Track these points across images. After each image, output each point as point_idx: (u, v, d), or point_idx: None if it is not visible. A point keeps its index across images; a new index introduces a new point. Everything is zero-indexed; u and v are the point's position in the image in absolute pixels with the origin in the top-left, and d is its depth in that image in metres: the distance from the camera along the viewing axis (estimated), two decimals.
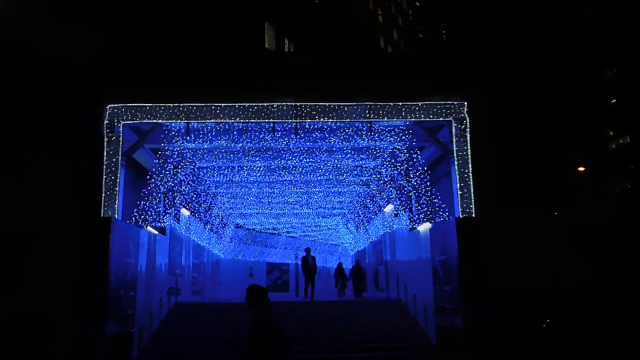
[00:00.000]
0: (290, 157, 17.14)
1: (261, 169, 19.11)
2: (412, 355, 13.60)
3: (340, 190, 23.30)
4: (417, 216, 16.62)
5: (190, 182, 18.94)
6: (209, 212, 25.37)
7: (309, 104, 14.28)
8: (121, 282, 13.19)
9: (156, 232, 16.64)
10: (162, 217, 17.55)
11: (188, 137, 15.04)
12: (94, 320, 11.84)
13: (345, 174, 19.92)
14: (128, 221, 14.83)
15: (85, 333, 11.58)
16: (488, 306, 12.05)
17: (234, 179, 20.72)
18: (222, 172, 19.52)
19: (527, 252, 11.77)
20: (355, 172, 19.62)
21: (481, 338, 11.97)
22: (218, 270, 31.70)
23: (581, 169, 32.01)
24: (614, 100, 46.49)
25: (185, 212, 22.13)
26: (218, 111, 14.31)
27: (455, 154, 14.24)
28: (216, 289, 30.30)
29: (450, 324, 13.30)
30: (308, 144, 15.68)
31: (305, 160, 17.45)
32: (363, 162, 17.78)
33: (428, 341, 14.56)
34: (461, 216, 14.04)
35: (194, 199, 21.74)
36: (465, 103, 14.43)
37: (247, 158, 17.34)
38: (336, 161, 17.68)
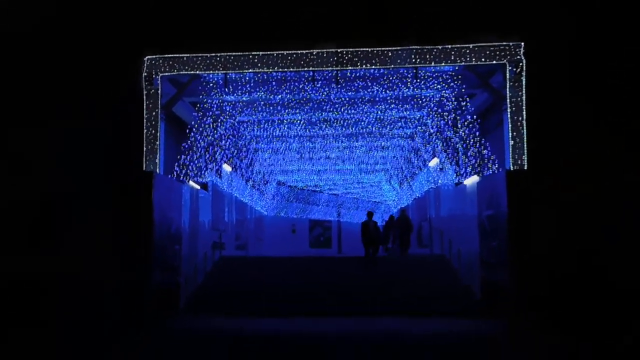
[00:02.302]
0: (331, 109, 16.60)
1: (302, 122, 18.67)
2: (457, 309, 13.22)
3: (383, 144, 22.69)
4: (464, 170, 15.91)
5: (230, 136, 18.74)
6: (251, 168, 25.30)
7: (351, 49, 13.57)
8: (165, 235, 13.31)
9: (198, 188, 16.60)
10: (203, 172, 17.48)
11: (226, 89, 14.67)
12: (141, 270, 11.99)
13: (388, 127, 19.27)
14: (170, 176, 14.77)
15: (131, 283, 11.73)
16: (535, 262, 11.45)
17: (274, 133, 20.41)
18: (262, 126, 19.21)
19: (581, 212, 10.98)
20: (399, 124, 18.94)
21: (526, 293, 11.44)
22: (261, 227, 31.97)
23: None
24: None
25: (227, 168, 22.09)
26: (256, 60, 13.80)
27: (508, 101, 13.30)
28: (260, 244, 30.63)
29: (495, 278, 12.83)
30: (350, 94, 15.05)
31: (346, 112, 16.88)
32: (407, 112, 17.06)
33: (472, 295, 14.16)
34: (512, 169, 13.26)
35: (235, 154, 21.61)
36: (522, 44, 13.33)
37: (287, 111, 16.91)
38: (379, 112, 17.03)
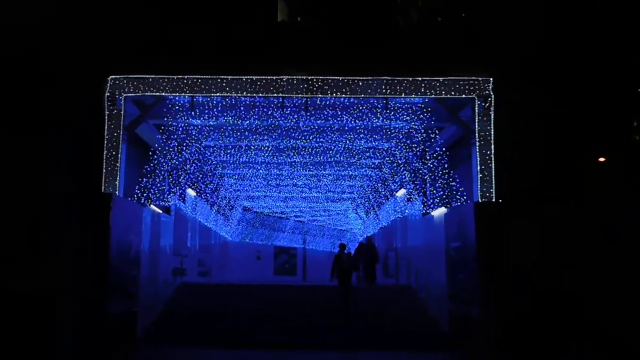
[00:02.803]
0: (299, 137, 16.39)
1: (269, 149, 18.40)
2: (424, 342, 12.97)
3: (351, 173, 22.58)
4: (431, 201, 15.86)
5: (196, 161, 18.28)
6: (216, 194, 24.78)
7: (321, 77, 13.46)
8: (123, 259, 12.74)
9: (160, 212, 16.06)
10: (166, 196, 16.95)
11: (193, 112, 14.33)
12: (94, 296, 11.36)
13: (356, 156, 19.16)
14: (130, 198, 14.21)
15: (85, 310, 11.08)
16: (506, 296, 11.33)
17: (241, 159, 20.04)
18: (229, 151, 18.84)
19: (550, 246, 10.97)
20: (368, 154, 18.85)
21: (499, 328, 11.28)
22: (226, 253, 31.30)
23: (602, 159, 30.89)
24: None
25: (191, 192, 21.56)
26: (224, 84, 13.54)
27: (477, 134, 13.37)
28: (224, 271, 29.93)
29: (464, 312, 12.64)
30: (319, 122, 14.90)
31: (315, 140, 16.70)
32: (376, 143, 16.99)
33: (440, 327, 13.95)
34: (480, 201, 13.25)
35: (200, 179, 21.11)
36: (491, 79, 13.49)
37: (254, 137, 16.61)
38: (348, 142, 16.90)
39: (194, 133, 16.05)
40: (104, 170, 13.45)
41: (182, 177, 17.32)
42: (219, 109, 14.44)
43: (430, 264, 15.48)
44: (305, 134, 16.06)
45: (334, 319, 14.30)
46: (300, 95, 13.56)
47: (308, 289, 19.56)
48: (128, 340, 13.07)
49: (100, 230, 11.53)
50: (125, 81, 13.61)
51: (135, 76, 13.61)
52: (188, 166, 17.53)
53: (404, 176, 17.73)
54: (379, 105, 14.19)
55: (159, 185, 15.42)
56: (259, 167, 21.55)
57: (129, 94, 13.64)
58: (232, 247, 33.02)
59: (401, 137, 15.98)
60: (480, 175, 13.21)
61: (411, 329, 13.75)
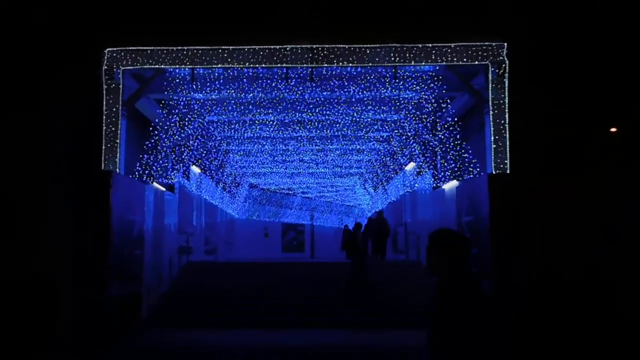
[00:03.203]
0: (305, 110, 15.83)
1: (274, 124, 17.88)
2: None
3: (358, 147, 22.04)
4: (442, 174, 15.34)
5: (199, 137, 17.80)
6: (221, 170, 24.38)
7: (327, 46, 12.83)
8: (125, 240, 12.41)
9: (164, 189, 15.67)
10: (170, 173, 16.53)
11: (194, 85, 13.77)
12: (96, 279, 11.02)
13: (364, 129, 18.60)
14: (131, 176, 13.80)
15: (86, 293, 10.76)
16: (520, 271, 10.91)
17: (245, 135, 19.55)
18: (233, 126, 18.33)
19: (568, 220, 10.47)
20: (376, 127, 18.28)
21: (512, 304, 10.89)
22: (232, 230, 31.10)
23: (613, 129, 30.25)
24: None
25: (196, 169, 21.17)
26: (225, 55, 12.94)
27: (490, 103, 12.75)
28: (230, 248, 29.80)
29: None
30: (325, 93, 14.31)
31: (321, 113, 16.13)
32: (385, 115, 16.40)
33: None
34: (494, 172, 12.72)
35: (204, 155, 20.67)
36: (505, 44, 12.78)
37: (259, 110, 16.07)
38: (355, 114, 16.33)
39: (196, 107, 15.52)
40: (103, 147, 12.99)
41: (185, 154, 16.87)
42: (221, 81, 13.87)
43: None
44: (311, 106, 15.49)
45: (344, 296, 13.98)
46: (305, 65, 12.95)
47: (316, 265, 19.33)
48: (133, 322, 12.83)
49: (101, 209, 11.16)
50: (122, 54, 13.05)
51: (133, 48, 13.03)
52: (191, 142, 17.06)
53: (413, 149, 17.18)
54: (387, 75, 13.56)
55: (161, 162, 14.98)
56: (264, 143, 21.06)
57: (127, 67, 13.10)
58: (239, 224, 32.85)
59: (410, 108, 15.39)
60: (494, 146, 12.63)
61: (420, 305, 13.42)
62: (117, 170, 13.08)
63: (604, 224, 10.53)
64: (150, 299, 14.10)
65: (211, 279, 15.98)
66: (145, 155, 14.14)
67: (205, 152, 20.44)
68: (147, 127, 15.07)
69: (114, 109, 12.97)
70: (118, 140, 12.89)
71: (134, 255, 13.12)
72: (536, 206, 10.85)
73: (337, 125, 17.86)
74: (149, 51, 12.99)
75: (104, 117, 12.98)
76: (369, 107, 15.62)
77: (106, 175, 11.66)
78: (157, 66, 13.10)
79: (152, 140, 14.60)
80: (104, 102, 12.98)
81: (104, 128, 12.97)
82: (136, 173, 13.90)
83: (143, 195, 13.68)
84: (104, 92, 12.95)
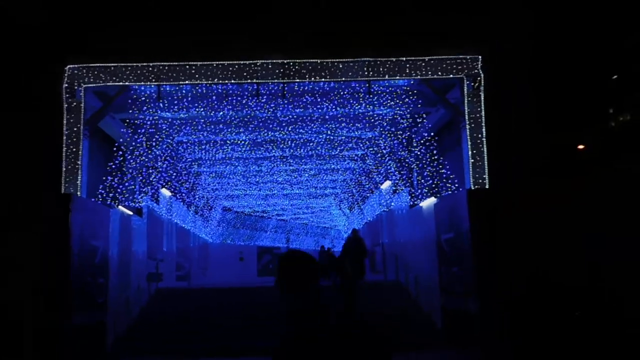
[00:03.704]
0: (277, 128, 15.39)
1: (246, 143, 17.38)
2: (416, 340, 12.14)
3: (333, 167, 21.67)
4: (419, 191, 15.01)
5: (168, 158, 17.17)
6: (193, 193, 23.70)
7: (298, 61, 12.45)
8: (88, 266, 11.74)
9: (131, 213, 14.97)
10: (137, 196, 15.84)
11: (161, 104, 13.21)
12: (56, 308, 10.30)
13: (338, 148, 18.24)
14: (94, 199, 13.09)
15: (45, 323, 10.02)
16: (504, 288, 10.56)
17: (217, 156, 18.99)
18: (203, 147, 17.77)
19: (550, 234, 10.20)
20: (350, 145, 17.94)
21: (498, 323, 10.52)
22: (206, 255, 30.28)
23: (581, 147, 30.83)
24: (615, 77, 44.89)
25: (165, 192, 20.47)
26: (193, 71, 12.45)
27: (467, 117, 12.49)
28: (204, 273, 28.95)
29: (458, 307, 11.88)
30: (297, 110, 13.90)
31: (294, 131, 15.72)
32: (359, 132, 16.07)
33: (432, 325, 13.17)
34: (473, 188, 12.41)
35: (174, 177, 20.01)
36: (480, 57, 12.59)
37: (230, 130, 15.58)
38: (329, 132, 15.97)
39: (164, 127, 14.95)
40: (63, 169, 12.27)
41: (153, 176, 16.20)
42: (189, 99, 13.35)
43: (420, 257, 14.74)
44: (284, 124, 15.07)
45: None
46: (276, 80, 12.53)
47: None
48: (97, 352, 12.07)
49: (59, 235, 10.47)
50: (84, 70, 12.45)
51: (95, 65, 12.44)
52: (160, 164, 16.42)
53: (389, 166, 16.85)
54: (361, 90, 13.23)
55: (127, 184, 14.30)
56: (236, 164, 20.53)
57: (89, 85, 12.48)
58: (213, 248, 32.07)
59: (385, 124, 15.08)
60: (472, 161, 12.34)
61: (403, 327, 12.94)
62: (78, 192, 12.36)
63: (587, 238, 10.26)
64: (116, 328, 13.36)
65: (182, 306, 15.25)
66: (109, 177, 13.44)
67: (175, 174, 19.78)
68: (112, 147, 14.40)
69: (75, 129, 12.30)
70: (79, 162, 12.20)
71: (97, 283, 12.42)
72: (517, 221, 10.55)
73: (311, 144, 17.46)
74: (112, 68, 12.41)
75: (65, 137, 12.29)
76: (343, 125, 15.27)
77: (66, 198, 11.02)
78: (121, 83, 12.52)
79: (117, 162, 13.93)
80: (65, 121, 12.30)
81: (65, 149, 12.28)
82: (99, 196, 13.19)
83: (107, 219, 13.01)
84: (65, 110, 12.29)
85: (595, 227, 9.84)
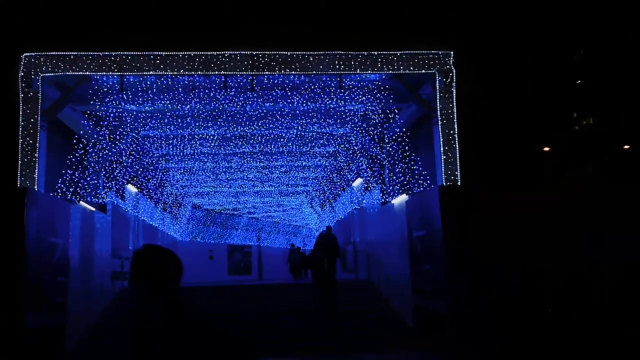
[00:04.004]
0: (247, 123, 15.00)
1: (215, 139, 16.92)
2: (387, 340, 11.95)
3: (304, 164, 21.35)
4: (390, 188, 14.82)
5: (133, 152, 16.59)
6: (161, 190, 23.07)
7: (267, 52, 12.09)
8: (45, 265, 11.13)
9: (93, 209, 14.37)
10: (101, 192, 15.25)
11: (124, 95, 12.69)
12: (9, 309, 9.73)
13: (309, 144, 17.94)
14: (53, 194, 12.50)
15: None
16: (477, 287, 10.43)
17: (185, 151, 18.47)
18: (170, 142, 17.24)
19: (522, 230, 10.11)
20: (321, 142, 17.65)
21: (469, 323, 10.38)
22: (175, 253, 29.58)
23: (546, 149, 31.27)
24: (579, 82, 45.87)
25: (132, 188, 19.85)
26: (158, 61, 11.96)
27: (439, 113, 12.32)
28: None
29: (430, 306, 11.72)
30: (267, 105, 13.54)
31: (264, 126, 15.33)
32: (330, 128, 15.79)
33: (404, 324, 13.00)
34: (445, 184, 12.26)
35: (140, 173, 19.40)
36: (452, 53, 12.44)
37: (197, 124, 15.11)
38: (300, 127, 15.63)
39: (128, 120, 14.40)
40: (19, 162, 11.66)
41: (118, 171, 15.64)
42: (154, 90, 12.85)
43: (392, 256, 14.55)
44: (253, 119, 14.69)
45: (291, 319, 13.10)
46: (245, 72, 12.14)
47: (263, 288, 18.39)
48: (54, 356, 11.49)
49: (13, 232, 9.89)
50: (42, 59, 11.84)
51: (54, 53, 11.84)
52: (124, 158, 15.86)
53: (360, 163, 16.62)
54: (332, 84, 12.94)
55: (90, 179, 13.72)
56: (205, 160, 20.02)
57: (47, 74, 11.87)
58: (182, 247, 31.37)
59: (357, 120, 14.83)
60: (444, 157, 12.19)
61: (374, 326, 12.73)
62: (36, 187, 11.77)
63: (562, 233, 10.20)
64: (78, 331, 12.78)
65: None
66: (69, 172, 12.86)
67: (141, 169, 19.17)
68: (73, 140, 13.79)
69: (32, 120, 11.69)
70: (37, 154, 11.60)
71: (56, 282, 11.82)
72: (490, 218, 10.43)
73: (282, 139, 17.10)
74: (71, 56, 11.84)
75: (21, 129, 11.67)
76: (314, 120, 14.97)
77: (21, 192, 10.44)
78: (81, 73, 11.95)
79: (78, 155, 13.35)
80: (21, 113, 11.68)
81: (21, 140, 11.65)
82: (59, 191, 12.60)
83: (68, 215, 12.42)
84: (21, 100, 11.67)
85: (572, 228, 9.78)
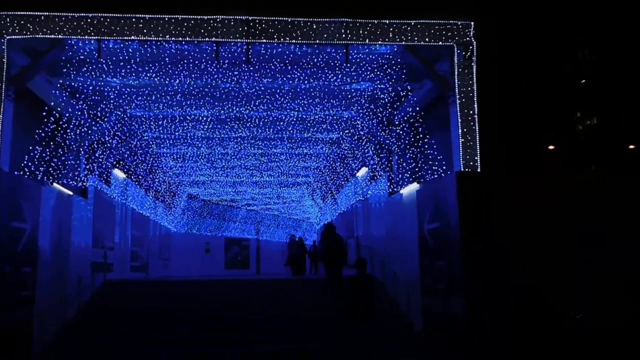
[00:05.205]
0: (243, 102, 13.63)
1: (209, 120, 15.54)
2: (393, 346, 10.67)
3: (305, 151, 19.98)
4: (399, 177, 13.45)
5: (119, 134, 15.24)
6: (152, 177, 21.75)
7: (265, 18, 10.70)
8: (7, 253, 9.84)
9: (71, 193, 13.03)
10: (82, 175, 13.91)
11: (104, 65, 11.31)
12: None
13: (311, 130, 16.55)
14: (19, 172, 11.15)
15: None
16: (498, 288, 9.14)
17: (177, 134, 17.10)
18: (160, 123, 15.87)
19: (552, 224, 8.81)
20: (324, 127, 16.27)
21: (489, 327, 9.11)
22: (168, 245, 28.35)
23: (551, 147, 30.18)
24: (584, 81, 44.75)
25: (119, 174, 18.52)
26: (141, 25, 10.57)
27: (457, 90, 10.93)
28: (166, 265, 27.07)
29: (443, 308, 10.43)
30: (265, 80, 12.13)
31: (262, 106, 13.97)
32: (334, 110, 14.39)
33: (413, 326, 11.71)
34: (463, 170, 10.90)
35: (128, 157, 18.05)
36: (472, 23, 11.03)
37: (189, 103, 13.76)
38: (301, 109, 14.24)
39: (112, 96, 13.03)
40: None
41: (100, 153, 14.29)
42: (137, 60, 11.46)
43: (399, 251, 13.26)
44: (250, 98, 13.30)
45: (292, 318, 11.89)
46: (239, 40, 10.74)
47: (261, 283, 17.20)
48: (19, 356, 10.22)
49: None
50: (8, 19, 10.46)
51: (21, 13, 10.47)
52: (108, 139, 14.49)
53: (366, 150, 15.23)
54: (337, 57, 11.53)
55: (65, 159, 12.38)
56: (199, 145, 18.67)
57: (13, 36, 10.50)
58: (177, 238, 30.16)
59: (364, 101, 13.42)
60: (462, 140, 10.79)
61: (379, 330, 11.44)
62: None
63: (597, 230, 8.92)
64: (46, 328, 11.49)
65: (135, 301, 13.51)
66: (39, 148, 11.49)
67: (129, 153, 17.82)
68: (50, 117, 12.42)
69: None
70: (0, 127, 10.25)
71: (20, 273, 10.51)
72: (514, 209, 9.11)
73: (281, 123, 15.71)
74: (42, 17, 10.45)
75: None
76: (316, 101, 13.57)
77: None
78: (53, 36, 10.56)
79: (52, 131, 11.98)
80: None
81: None
82: (26, 170, 11.24)
83: (37, 198, 11.08)
84: None
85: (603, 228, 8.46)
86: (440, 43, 10.92)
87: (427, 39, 10.91)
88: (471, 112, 10.84)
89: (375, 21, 10.82)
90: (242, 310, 12.39)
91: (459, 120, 10.85)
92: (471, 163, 10.80)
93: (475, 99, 10.75)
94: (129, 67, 11.64)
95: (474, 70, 10.89)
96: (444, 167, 11.68)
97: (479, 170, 10.79)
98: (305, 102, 13.70)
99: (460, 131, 10.83)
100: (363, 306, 9.77)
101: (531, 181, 9.36)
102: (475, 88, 10.77)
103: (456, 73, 10.97)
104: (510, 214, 9.33)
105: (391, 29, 10.88)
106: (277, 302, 13.03)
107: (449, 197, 10.10)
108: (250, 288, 15.32)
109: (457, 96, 10.88)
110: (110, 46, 11.08)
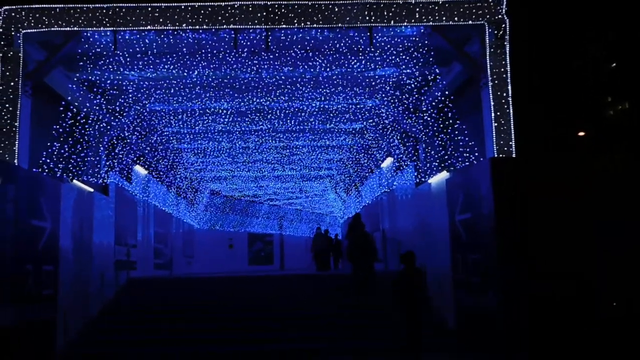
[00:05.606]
0: (263, 93, 13.26)
1: (229, 113, 15.21)
2: (425, 344, 10.19)
3: (328, 143, 19.55)
4: (427, 166, 12.93)
5: (139, 129, 15.00)
6: (173, 173, 21.56)
7: (285, 2, 10.27)
8: (27, 252, 9.68)
9: (92, 190, 12.83)
10: (102, 172, 13.71)
11: (121, 58, 11.02)
12: None
13: (334, 120, 16.10)
14: (39, 170, 10.95)
15: None
16: (535, 277, 8.66)
17: (196, 128, 16.82)
18: (180, 117, 15.59)
19: (590, 212, 8.24)
20: (347, 117, 15.80)
21: (525, 322, 8.63)
22: (191, 242, 28.25)
23: (581, 133, 29.15)
24: (614, 65, 43.23)
25: (141, 170, 18.35)
26: (157, 14, 10.25)
27: (489, 72, 10.36)
28: (190, 262, 26.97)
29: (477, 303, 9.94)
30: (285, 69, 11.72)
31: (283, 97, 13.57)
32: (358, 99, 13.91)
33: (443, 324, 11.22)
34: (498, 157, 10.33)
35: (149, 153, 17.84)
36: (505, 0, 10.45)
37: (208, 95, 13.43)
38: (323, 98, 13.80)
39: (130, 90, 12.76)
40: None
41: (120, 149, 14.06)
42: (154, 52, 11.15)
43: (429, 244, 12.73)
44: (270, 88, 12.91)
45: (317, 315, 11.53)
46: (257, 26, 10.34)
47: (286, 279, 16.91)
48: (42, 356, 10.06)
49: None
50: (23, 13, 10.24)
51: (36, 6, 10.25)
52: (128, 134, 14.26)
53: (392, 139, 14.72)
54: (361, 41, 11.04)
55: (85, 156, 12.17)
56: (220, 139, 18.38)
57: (29, 30, 10.28)
58: (200, 235, 30.07)
59: (389, 89, 12.91)
60: (495, 125, 10.22)
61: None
62: (16, 161, 10.22)
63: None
64: (70, 326, 11.33)
65: (160, 299, 13.37)
66: (57, 145, 11.27)
67: (150, 149, 17.61)
68: (65, 111, 12.21)
69: (12, 83, 10.11)
70: (17, 123, 10.04)
71: (41, 272, 10.33)
72: (552, 197, 8.56)
73: (303, 114, 15.29)
74: (57, 10, 10.21)
75: None
76: (339, 89, 13.11)
77: None
78: (68, 28, 10.30)
79: (70, 127, 11.76)
80: None
81: None
82: (45, 167, 11.02)
83: (58, 195, 10.88)
84: None
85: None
86: (470, 22, 10.36)
87: (456, 18, 10.35)
88: (504, 94, 10.26)
89: (400, 1, 10.31)
90: (269, 308, 12.09)
91: (492, 103, 10.27)
92: (505, 148, 10.23)
93: (509, 80, 10.17)
94: (146, 59, 11.35)
95: (507, 49, 10.30)
96: (476, 154, 11.12)
97: (513, 155, 10.22)
98: (328, 90, 13.26)
99: (493, 115, 10.25)
100: (420, 312, 9.05)
101: (570, 164, 8.78)
102: (508, 69, 10.18)
103: (487, 53, 10.39)
104: (548, 201, 8.80)
105: (417, 9, 10.36)
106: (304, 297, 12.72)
107: (482, 186, 9.58)
108: (275, 284, 15.04)
109: (489, 78, 10.31)
110: (127, 37, 10.78)
